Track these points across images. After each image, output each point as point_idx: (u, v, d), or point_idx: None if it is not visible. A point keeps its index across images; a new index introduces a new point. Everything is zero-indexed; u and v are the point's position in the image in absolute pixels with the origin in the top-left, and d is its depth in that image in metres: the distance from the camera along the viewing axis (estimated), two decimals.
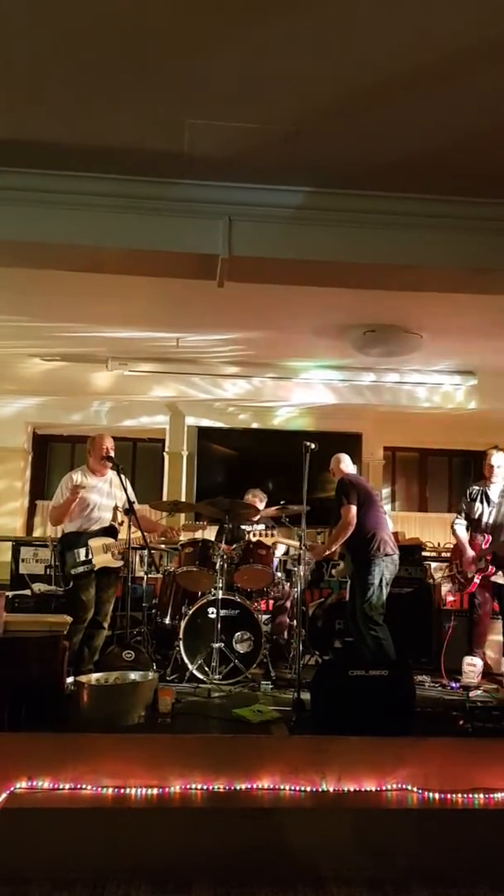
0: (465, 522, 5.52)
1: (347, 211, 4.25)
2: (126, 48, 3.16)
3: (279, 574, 5.75)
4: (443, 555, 7.30)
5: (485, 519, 5.38)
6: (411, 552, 6.74)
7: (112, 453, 5.17)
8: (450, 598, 6.40)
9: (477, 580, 5.29)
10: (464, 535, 5.47)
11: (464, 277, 4.64)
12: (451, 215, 4.29)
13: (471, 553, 5.32)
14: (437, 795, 3.43)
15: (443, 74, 3.26)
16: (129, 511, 5.06)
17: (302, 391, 8.59)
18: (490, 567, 5.23)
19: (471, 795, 3.44)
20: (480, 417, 8.98)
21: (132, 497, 5.11)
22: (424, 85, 3.34)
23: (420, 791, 3.45)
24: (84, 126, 3.72)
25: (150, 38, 3.10)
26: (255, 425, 9.49)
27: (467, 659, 5.31)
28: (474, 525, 5.43)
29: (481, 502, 5.43)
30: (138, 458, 9.91)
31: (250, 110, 3.56)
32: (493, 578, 5.27)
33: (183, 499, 8.64)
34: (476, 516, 5.42)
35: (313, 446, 4.70)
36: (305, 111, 3.55)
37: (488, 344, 7.00)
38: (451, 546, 5.80)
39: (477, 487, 5.54)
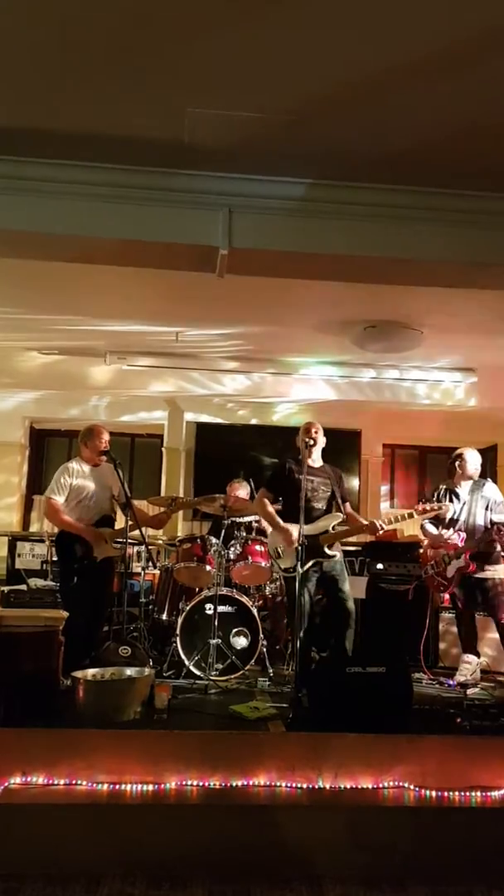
0: (433, 521, 5.46)
1: (349, 203, 4.22)
2: (125, 35, 3.13)
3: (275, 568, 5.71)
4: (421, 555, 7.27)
5: (458, 517, 5.34)
6: (409, 550, 6.72)
7: (108, 447, 5.16)
8: (446, 596, 6.37)
9: (458, 579, 5.24)
10: (433, 530, 5.43)
11: (465, 272, 4.61)
12: (454, 209, 4.27)
13: (453, 541, 5.27)
14: (434, 793, 3.40)
15: (445, 65, 3.24)
16: (127, 506, 5.05)
17: (301, 387, 8.56)
18: (471, 564, 5.20)
19: (468, 793, 3.42)
20: (480, 415, 8.95)
21: (127, 492, 5.10)
22: (426, 76, 3.31)
23: (417, 789, 3.43)
24: (82, 115, 3.68)
25: (149, 25, 3.07)
26: (254, 421, 9.46)
27: (464, 656, 5.30)
28: (446, 524, 5.39)
29: (450, 501, 5.38)
30: (136, 454, 9.87)
31: (251, 99, 3.53)
32: (476, 575, 5.22)
33: (181, 494, 8.61)
34: (448, 516, 5.38)
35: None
36: (307, 101, 3.52)
37: (489, 341, 6.97)
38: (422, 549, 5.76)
39: (444, 486, 5.49)
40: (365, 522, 4.91)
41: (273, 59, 3.24)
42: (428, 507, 4.93)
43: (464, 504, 5.34)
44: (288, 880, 3.03)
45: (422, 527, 5.56)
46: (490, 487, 5.37)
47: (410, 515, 5.12)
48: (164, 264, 4.74)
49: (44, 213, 4.11)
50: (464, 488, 5.39)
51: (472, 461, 5.43)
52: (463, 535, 5.27)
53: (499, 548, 5.16)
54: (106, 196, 4.16)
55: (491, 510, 5.25)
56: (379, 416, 9.26)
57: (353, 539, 6.58)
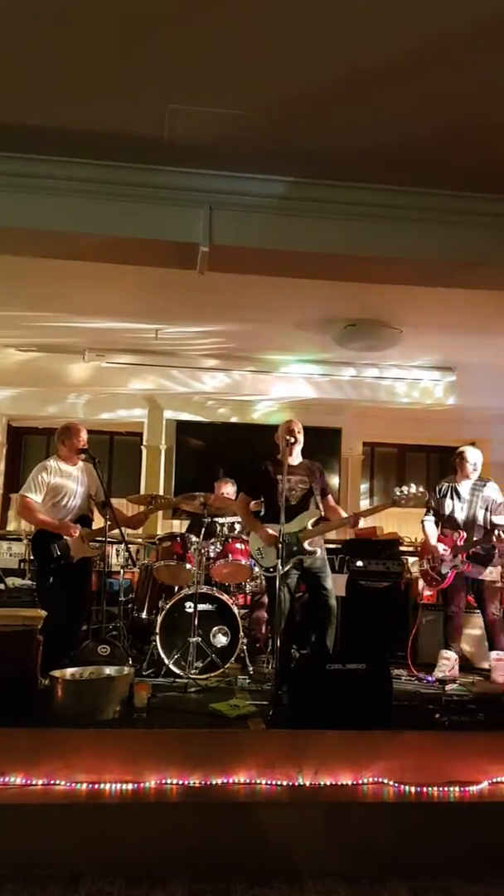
0: (433, 518, 5.53)
1: (330, 202, 4.23)
2: (106, 30, 3.11)
3: (257, 569, 5.72)
4: (419, 549, 7.32)
5: (457, 515, 5.38)
6: (389, 547, 6.77)
7: (86, 446, 5.13)
8: (426, 593, 6.43)
9: (452, 576, 5.29)
10: (432, 531, 5.48)
11: (445, 271, 4.64)
12: (434, 208, 4.29)
13: (442, 549, 5.32)
14: (413, 789, 3.43)
15: (427, 65, 3.25)
16: (106, 505, 5.02)
17: (282, 385, 8.56)
18: (466, 564, 5.25)
19: (446, 788, 3.44)
20: (459, 413, 9.00)
21: (106, 491, 5.07)
22: (409, 75, 3.33)
23: (396, 784, 3.45)
24: (61, 110, 3.66)
25: (131, 21, 3.05)
26: (234, 419, 9.43)
27: (443, 652, 5.34)
28: (445, 521, 5.44)
29: (451, 498, 5.43)
30: (115, 452, 9.82)
31: (232, 97, 3.52)
32: (469, 573, 5.28)
33: (161, 493, 8.57)
34: (447, 513, 5.43)
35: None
36: (288, 99, 3.53)
37: (467, 340, 7.02)
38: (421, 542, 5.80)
39: (446, 484, 5.54)
40: (345, 515, 4.91)
41: (254, 56, 3.23)
42: (400, 493, 4.90)
43: (464, 503, 5.38)
44: (268, 877, 3.03)
45: (422, 523, 5.59)
46: (491, 488, 5.40)
47: (386, 505, 5.14)
48: (145, 261, 4.72)
49: (23, 208, 4.08)
50: (465, 487, 5.42)
51: (471, 459, 5.45)
52: (462, 533, 5.30)
53: (496, 551, 5.20)
54: (86, 192, 4.14)
55: (490, 511, 5.29)
56: (359, 414, 9.28)
57: (333, 536, 6.63)
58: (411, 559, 6.78)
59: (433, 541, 5.43)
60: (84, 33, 3.13)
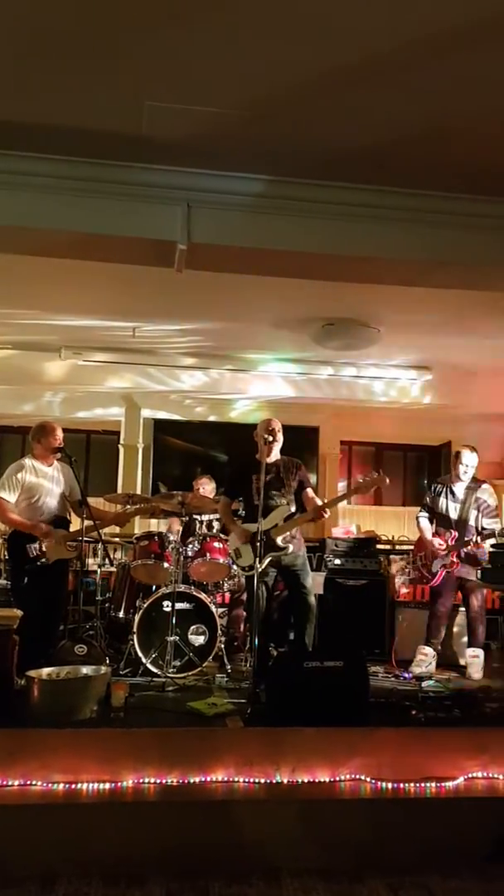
0: (427, 515, 5.59)
1: (307, 201, 4.24)
2: (82, 25, 3.09)
3: (235, 568, 5.72)
4: (397, 547, 7.38)
5: (450, 515, 5.44)
6: (366, 545, 6.80)
7: (62, 444, 5.09)
8: (403, 591, 6.48)
9: (442, 574, 5.35)
10: (427, 526, 5.55)
11: (422, 271, 4.67)
12: (411, 208, 4.32)
13: (438, 543, 5.38)
14: (389, 785, 3.44)
15: (405, 64, 3.27)
16: (82, 504, 4.99)
17: (260, 384, 8.57)
18: (455, 563, 5.31)
19: (423, 784, 3.47)
20: (435, 412, 9.08)
21: (82, 490, 5.04)
22: (387, 76, 3.34)
23: (373, 781, 3.46)
24: (36, 105, 3.63)
25: (107, 16, 3.03)
26: (212, 418, 9.43)
27: (421, 648, 5.39)
28: (439, 520, 5.50)
29: (445, 497, 5.50)
30: (92, 451, 9.77)
31: (210, 94, 3.52)
32: (458, 573, 5.34)
33: (138, 492, 8.54)
34: (441, 511, 5.50)
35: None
36: (266, 97, 3.53)
37: (444, 339, 7.07)
38: (407, 539, 5.86)
39: (441, 483, 5.61)
40: (319, 502, 4.91)
41: (232, 53, 3.23)
42: (361, 479, 4.92)
43: (458, 503, 5.43)
44: (246, 875, 3.04)
45: (417, 520, 5.67)
46: (484, 490, 5.45)
47: (348, 494, 5.22)
48: (122, 258, 4.69)
49: None
50: (460, 487, 5.48)
51: (464, 461, 5.48)
52: (454, 533, 5.36)
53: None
54: (62, 188, 4.11)
55: (482, 513, 5.35)
56: (336, 412, 9.32)
57: (311, 535, 6.65)
58: (395, 556, 6.86)
59: (428, 535, 5.49)
60: (59, 28, 3.10)
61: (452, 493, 5.49)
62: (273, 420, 5.03)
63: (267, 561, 4.68)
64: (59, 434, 5.10)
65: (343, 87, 3.43)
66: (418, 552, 5.62)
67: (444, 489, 5.53)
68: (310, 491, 5.02)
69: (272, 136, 3.83)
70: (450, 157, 3.95)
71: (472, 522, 5.36)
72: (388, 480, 4.88)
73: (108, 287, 5.85)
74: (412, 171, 4.11)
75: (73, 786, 3.29)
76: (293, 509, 4.89)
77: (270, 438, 4.86)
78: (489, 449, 9.57)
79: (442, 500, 5.52)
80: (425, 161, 4.01)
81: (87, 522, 4.95)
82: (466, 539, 5.29)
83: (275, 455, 4.97)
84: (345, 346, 7.08)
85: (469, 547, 5.27)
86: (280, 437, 4.96)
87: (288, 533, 4.81)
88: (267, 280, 5.10)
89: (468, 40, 3.08)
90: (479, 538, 5.24)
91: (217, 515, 5.70)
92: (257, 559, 4.49)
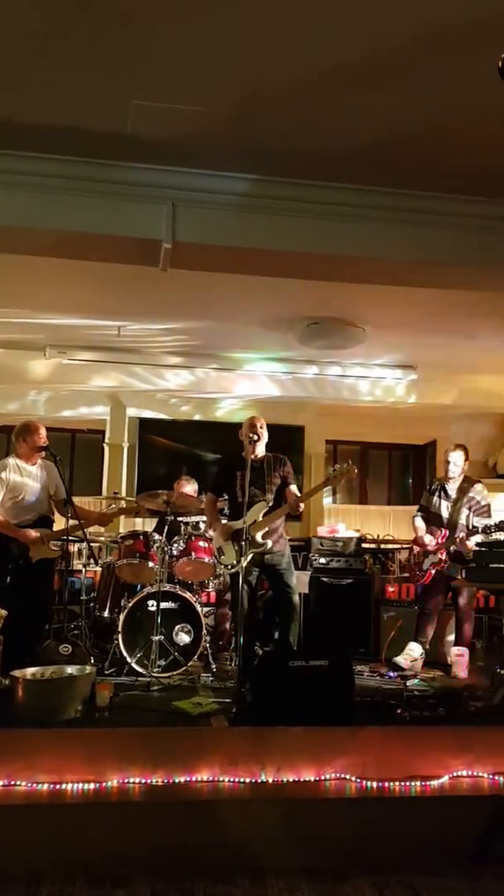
0: (422, 515, 5.67)
1: (292, 200, 4.24)
2: (68, 23, 3.07)
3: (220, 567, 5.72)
4: (381, 546, 7.40)
5: (442, 513, 5.50)
6: (352, 544, 6.82)
7: (47, 443, 5.07)
8: (390, 589, 6.52)
9: (432, 572, 5.39)
10: (420, 525, 5.62)
11: (406, 271, 4.68)
12: (395, 207, 4.33)
13: (429, 539, 5.42)
14: (374, 784, 3.45)
15: (391, 66, 3.27)
16: (67, 503, 4.96)
17: (245, 383, 8.56)
18: (444, 561, 5.35)
19: (408, 783, 3.47)
20: (420, 411, 9.11)
21: (67, 490, 5.02)
22: (372, 75, 3.34)
23: (358, 780, 3.47)
24: (20, 104, 3.61)
25: (93, 14, 3.01)
26: (197, 417, 9.41)
27: (410, 644, 5.44)
28: (433, 519, 5.55)
29: (439, 496, 5.58)
30: (77, 450, 9.72)
31: (196, 93, 3.51)
32: (449, 573, 5.37)
33: (123, 491, 8.51)
34: (435, 510, 5.55)
35: None
36: (251, 97, 3.52)
37: (429, 339, 7.10)
38: (392, 538, 5.91)
39: (437, 482, 5.67)
40: (296, 496, 4.92)
41: (218, 53, 3.22)
42: (336, 468, 4.94)
43: (451, 502, 5.48)
44: (231, 875, 3.03)
45: (413, 519, 5.73)
46: (478, 490, 5.50)
47: (321, 485, 5.38)
48: (107, 257, 4.67)
49: None
50: (453, 486, 5.53)
51: (451, 460, 5.56)
52: (444, 531, 5.40)
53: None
54: (47, 187, 4.09)
55: (473, 512, 5.39)
56: (322, 412, 9.33)
57: (296, 534, 6.67)
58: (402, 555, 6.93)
59: (421, 533, 5.56)
60: (44, 27, 3.08)
61: (446, 492, 5.55)
62: (257, 418, 5.04)
63: (248, 557, 4.66)
64: (44, 433, 5.09)
65: (329, 88, 3.43)
66: (414, 550, 5.70)
67: (439, 488, 5.59)
68: (292, 487, 5.03)
69: (258, 136, 3.82)
70: (436, 157, 3.97)
71: (462, 521, 5.40)
72: (356, 470, 4.95)
73: (92, 286, 5.82)
74: (398, 172, 4.12)
75: (58, 786, 3.27)
76: (271, 505, 4.90)
77: (255, 437, 4.87)
78: (474, 448, 9.57)
79: (435, 499, 5.61)
80: (411, 161, 4.02)
81: (71, 522, 4.93)
82: (456, 537, 5.34)
83: (260, 453, 4.97)
84: (330, 346, 7.09)
85: (456, 543, 5.31)
86: (264, 434, 4.96)
87: (267, 528, 4.81)
88: (252, 279, 5.09)
89: (458, 42, 3.08)
90: (465, 534, 5.28)
91: (202, 516, 5.69)
92: (242, 556, 4.48)
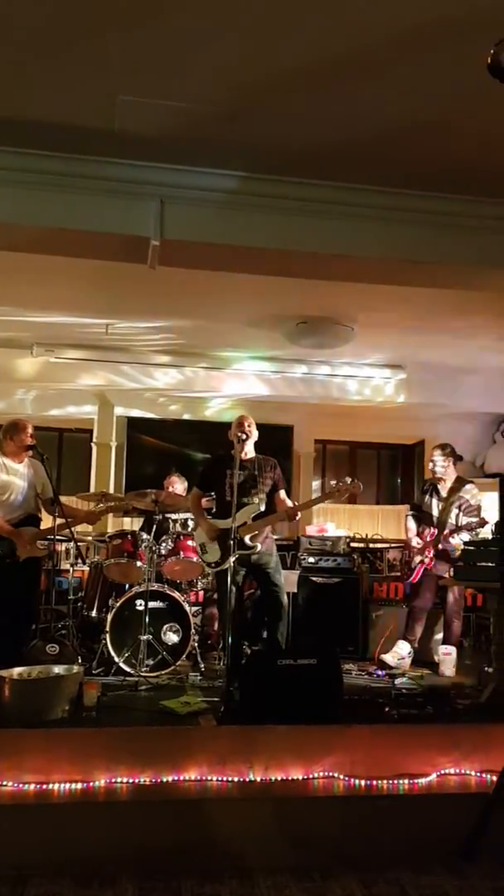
0: (414, 514, 5.72)
1: (281, 198, 4.24)
2: (54, 18, 3.04)
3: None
4: (370, 546, 7.41)
5: (433, 512, 5.53)
6: (339, 543, 6.82)
7: (34, 442, 5.04)
8: (378, 588, 6.54)
9: (420, 571, 5.42)
10: (411, 525, 5.68)
11: (394, 269, 4.68)
12: (384, 206, 4.33)
13: (415, 542, 5.46)
14: (362, 782, 3.45)
15: (377, 63, 3.27)
16: (55, 502, 4.94)
17: (234, 382, 8.54)
18: (430, 560, 5.37)
19: (396, 781, 3.48)
20: (408, 411, 9.12)
21: (54, 488, 4.99)
22: (359, 72, 3.34)
23: (346, 778, 3.47)
24: (7, 99, 3.58)
25: (79, 9, 2.99)
26: (186, 416, 9.38)
27: (399, 642, 5.46)
28: (424, 518, 5.58)
29: (431, 496, 5.61)
30: (65, 449, 9.68)
31: (183, 89, 3.49)
32: (435, 570, 5.39)
33: (112, 491, 8.48)
34: (427, 509, 5.59)
35: None
36: (239, 93, 3.51)
37: (417, 338, 7.11)
38: (381, 538, 5.93)
39: (429, 481, 5.70)
40: (289, 504, 4.90)
41: (204, 49, 3.20)
42: (339, 483, 4.94)
43: (442, 501, 5.51)
44: (219, 874, 3.02)
45: (405, 518, 5.81)
46: (468, 490, 5.52)
47: (321, 498, 5.35)
48: (95, 254, 4.65)
49: None
50: (445, 486, 5.55)
51: (432, 458, 5.64)
52: (433, 530, 5.42)
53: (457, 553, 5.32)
54: (34, 183, 4.06)
55: (463, 511, 5.41)
56: (311, 411, 9.32)
57: (285, 533, 6.67)
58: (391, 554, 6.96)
59: (411, 535, 5.61)
60: (29, 20, 3.06)
61: (437, 491, 5.58)
62: (245, 416, 5.02)
63: (233, 558, 4.64)
64: (31, 431, 5.07)
65: (316, 85, 3.43)
66: (406, 549, 5.74)
67: (431, 488, 5.62)
68: (282, 493, 5.00)
69: (245, 133, 3.81)
70: (423, 155, 3.97)
71: (452, 520, 5.42)
72: (361, 487, 4.94)
73: (80, 283, 5.80)
74: (387, 170, 4.12)
75: (45, 786, 3.25)
76: (263, 508, 4.88)
77: (243, 436, 4.85)
78: (462, 448, 9.60)
79: (427, 498, 5.65)
80: (400, 159, 4.02)
81: (58, 521, 4.91)
82: (444, 533, 5.36)
83: (249, 452, 4.96)
84: (319, 345, 7.09)
85: (441, 541, 5.33)
86: (253, 433, 4.95)
87: (256, 531, 4.79)
88: (241, 277, 5.08)
89: (440, 40, 3.08)
90: (453, 531, 5.30)
91: (190, 514, 5.67)
92: (230, 557, 4.47)
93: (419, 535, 5.53)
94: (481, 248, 4.50)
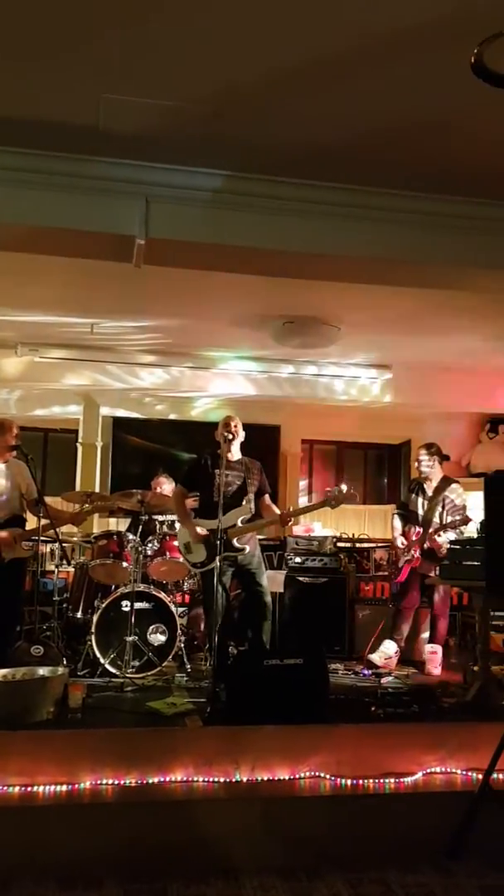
0: (399, 512, 5.73)
1: (266, 197, 4.22)
2: (38, 17, 3.02)
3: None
4: (356, 545, 7.42)
5: (419, 511, 5.53)
6: (326, 543, 6.82)
7: (19, 442, 5.01)
8: (364, 588, 6.55)
9: (406, 571, 5.43)
10: (397, 524, 5.69)
11: (381, 269, 4.68)
12: (371, 206, 4.33)
13: (400, 542, 5.49)
14: (349, 782, 3.45)
15: (362, 63, 3.26)
16: (39, 503, 4.90)
17: (221, 382, 8.52)
18: (416, 559, 5.38)
19: (382, 781, 3.48)
20: (395, 411, 9.14)
21: (39, 489, 4.96)
22: (347, 73, 3.33)
23: (333, 778, 3.47)
24: None
25: (64, 8, 2.97)
26: (172, 416, 9.36)
27: (386, 641, 5.47)
28: (410, 517, 5.59)
29: (417, 495, 5.62)
30: (50, 449, 9.62)
31: (168, 88, 3.47)
32: (418, 569, 5.40)
33: (97, 490, 8.43)
34: (413, 508, 5.61)
35: None
36: (224, 92, 3.49)
37: (404, 338, 7.13)
38: (367, 537, 5.94)
39: (416, 480, 5.71)
40: (277, 512, 4.90)
41: (190, 47, 3.19)
42: (338, 493, 4.92)
43: (427, 500, 5.52)
44: (205, 875, 3.01)
45: (392, 517, 5.81)
46: (453, 489, 5.53)
47: (317, 505, 5.21)
48: (79, 253, 4.62)
49: None
50: (431, 485, 5.57)
51: (418, 457, 5.66)
52: (419, 529, 5.43)
53: (443, 552, 5.32)
54: (18, 181, 4.03)
55: (447, 511, 5.41)
56: (297, 411, 9.33)
57: (272, 533, 6.65)
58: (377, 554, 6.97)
59: (396, 534, 5.62)
60: (12, 17, 3.03)
61: (423, 491, 5.60)
62: (232, 417, 5.01)
63: (219, 559, 4.62)
64: (16, 431, 5.03)
65: (303, 84, 3.42)
66: (392, 549, 5.75)
67: (418, 487, 5.63)
68: (267, 498, 4.97)
69: (231, 132, 3.80)
70: (408, 155, 3.97)
71: (437, 520, 5.44)
72: (358, 498, 4.95)
73: (65, 282, 5.77)
74: (373, 170, 4.12)
75: (29, 788, 3.24)
76: (253, 511, 4.87)
77: (229, 436, 4.84)
78: (448, 448, 9.62)
79: (414, 497, 5.66)
80: (387, 159, 4.01)
81: (43, 521, 4.87)
82: (430, 532, 5.37)
83: (236, 453, 4.94)
84: (305, 344, 7.09)
85: (427, 540, 5.35)
86: (240, 433, 4.93)
87: (247, 535, 4.78)
88: (227, 277, 5.06)
89: (438, 37, 3.07)
90: (437, 529, 5.32)
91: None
92: (217, 558, 4.46)
93: (405, 534, 5.54)
94: (468, 248, 4.51)
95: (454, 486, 5.57)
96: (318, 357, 7.86)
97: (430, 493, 5.57)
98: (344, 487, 4.85)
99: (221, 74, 3.38)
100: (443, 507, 5.46)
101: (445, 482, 5.58)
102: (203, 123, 3.73)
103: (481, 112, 3.51)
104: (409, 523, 5.58)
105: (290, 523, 4.90)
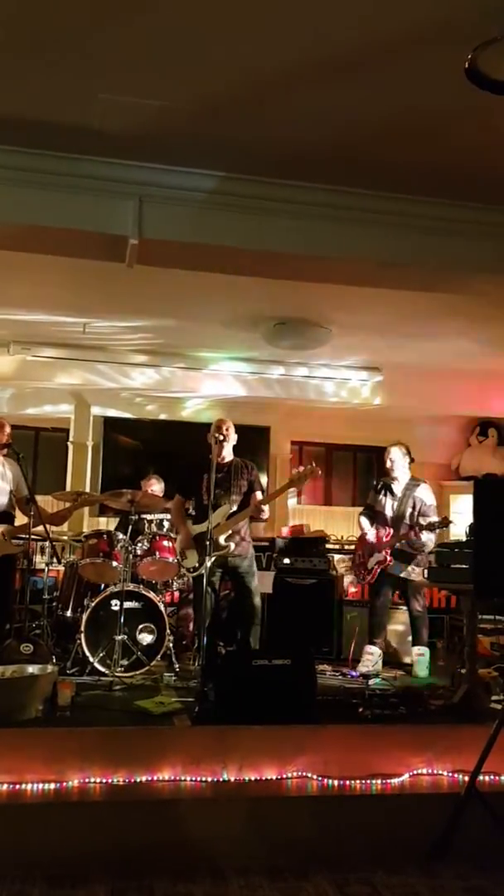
0: (368, 513, 5.68)
1: (258, 198, 4.24)
2: (33, 15, 3.02)
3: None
4: (346, 547, 7.45)
5: (388, 512, 5.51)
6: (315, 544, 6.85)
7: (10, 441, 5.01)
8: (352, 590, 6.56)
9: (376, 572, 5.42)
10: (365, 524, 5.63)
11: (372, 271, 4.71)
12: (363, 208, 4.35)
13: (371, 537, 5.46)
14: (336, 782, 3.47)
15: (357, 66, 3.28)
16: (30, 501, 4.90)
17: (211, 382, 8.53)
18: (388, 559, 5.38)
19: (368, 782, 3.50)
20: (385, 413, 9.16)
21: (30, 487, 4.96)
22: (339, 75, 3.34)
23: (319, 778, 3.49)
24: None
25: (58, 6, 2.97)
26: (163, 416, 9.35)
27: (367, 647, 5.45)
28: (378, 518, 5.57)
29: (385, 495, 5.58)
30: (41, 448, 9.60)
31: (163, 88, 3.48)
32: (392, 571, 5.40)
33: (88, 490, 8.42)
34: (381, 509, 5.56)
35: None
36: (219, 93, 3.51)
37: (394, 341, 7.15)
38: (355, 539, 5.93)
39: (383, 481, 5.69)
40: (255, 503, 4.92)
41: (184, 48, 3.20)
42: (300, 469, 4.97)
43: (396, 501, 5.51)
44: (192, 874, 3.02)
45: (358, 518, 5.76)
46: (423, 490, 5.53)
47: (284, 487, 5.35)
48: (72, 252, 4.62)
49: None
50: (399, 486, 5.55)
51: (391, 457, 5.61)
52: (389, 530, 5.43)
53: (425, 551, 5.33)
54: (11, 179, 4.03)
55: (419, 512, 5.41)
56: (287, 412, 9.34)
57: (260, 534, 6.68)
58: (337, 556, 6.91)
59: (368, 533, 5.57)
60: (8, 17, 3.03)
61: (392, 491, 5.57)
62: (223, 419, 5.03)
63: (210, 560, 4.63)
64: (8, 430, 5.03)
65: (297, 85, 3.43)
66: (357, 550, 5.69)
67: (385, 487, 5.62)
68: (258, 493, 5.02)
69: (225, 133, 3.81)
70: (400, 158, 3.99)
71: (406, 520, 5.43)
72: (319, 472, 5.03)
73: (58, 281, 5.76)
74: (365, 172, 4.14)
75: (17, 786, 3.24)
76: (235, 508, 4.89)
77: (221, 438, 4.86)
78: (437, 451, 9.73)
79: (381, 498, 5.62)
80: (379, 162, 4.04)
81: (26, 520, 4.88)
82: (401, 534, 5.37)
83: (227, 455, 4.96)
84: (296, 346, 7.10)
85: (400, 540, 5.34)
86: (231, 435, 4.95)
87: (230, 531, 4.80)
88: (219, 277, 5.08)
89: (432, 41, 3.08)
90: (416, 529, 5.32)
91: (167, 515, 5.67)
92: (206, 559, 4.47)
93: (377, 536, 5.51)
94: (459, 251, 4.54)
95: (423, 486, 5.57)
96: (308, 358, 7.87)
97: (398, 493, 5.55)
98: (308, 467, 4.93)
99: (215, 76, 3.39)
100: (414, 508, 5.45)
101: (414, 482, 5.58)
102: (197, 124, 3.75)
103: (472, 116, 3.53)
104: (377, 524, 5.57)
105: (265, 512, 4.91)
